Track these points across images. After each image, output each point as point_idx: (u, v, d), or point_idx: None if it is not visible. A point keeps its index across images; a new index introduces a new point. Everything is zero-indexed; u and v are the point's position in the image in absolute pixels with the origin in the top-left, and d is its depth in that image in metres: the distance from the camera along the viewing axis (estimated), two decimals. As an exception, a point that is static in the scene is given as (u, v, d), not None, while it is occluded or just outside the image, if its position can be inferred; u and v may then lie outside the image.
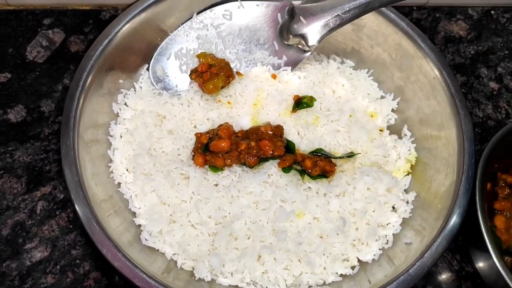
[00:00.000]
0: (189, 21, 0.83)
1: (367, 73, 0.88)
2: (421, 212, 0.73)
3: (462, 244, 0.79)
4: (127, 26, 0.77)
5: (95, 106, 0.74)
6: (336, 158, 0.77)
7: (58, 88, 0.88)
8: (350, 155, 0.77)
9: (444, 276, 0.78)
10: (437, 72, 0.77)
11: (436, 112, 0.77)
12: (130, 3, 0.80)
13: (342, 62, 0.89)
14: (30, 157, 0.82)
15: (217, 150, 0.73)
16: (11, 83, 0.88)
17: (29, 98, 0.87)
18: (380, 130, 0.82)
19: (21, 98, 0.87)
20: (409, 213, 0.75)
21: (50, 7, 0.96)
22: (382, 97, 0.87)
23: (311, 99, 0.80)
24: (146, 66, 0.83)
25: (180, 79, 0.83)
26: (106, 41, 0.74)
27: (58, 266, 0.74)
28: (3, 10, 0.95)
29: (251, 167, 0.74)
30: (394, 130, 0.84)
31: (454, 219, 0.65)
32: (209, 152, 0.74)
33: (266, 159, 0.74)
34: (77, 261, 0.74)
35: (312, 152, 0.77)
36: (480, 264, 0.76)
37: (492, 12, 1.05)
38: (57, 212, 0.78)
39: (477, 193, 0.70)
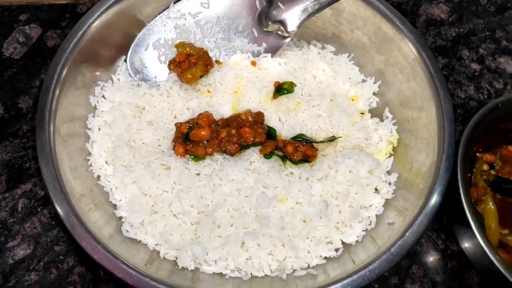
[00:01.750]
0: (166, 10, 0.82)
1: (348, 57, 0.87)
2: (404, 192, 0.74)
3: (446, 223, 0.80)
4: (102, 17, 0.76)
5: (71, 100, 0.73)
6: (317, 142, 0.76)
7: (35, 84, 0.87)
8: (332, 139, 0.77)
9: (429, 256, 0.78)
10: (416, 54, 0.77)
11: (416, 93, 0.77)
12: (106, -6, 0.78)
13: (323, 48, 0.89)
14: (9, 154, 0.80)
15: (198, 139, 0.72)
16: (-12, 80, 0.86)
17: (7, 95, 0.85)
18: (361, 113, 0.82)
19: (-2, 95, 0.85)
20: (392, 194, 0.75)
21: (26, 2, 0.94)
22: (363, 80, 0.86)
23: (292, 85, 0.79)
24: (124, 57, 0.82)
25: (159, 70, 0.82)
26: (80, 33, 0.73)
27: (41, 263, 0.73)
28: (-22, 7, 0.93)
29: (232, 154, 0.73)
30: (376, 113, 0.84)
31: (435, 197, 0.65)
32: (189, 142, 0.73)
33: (247, 146, 0.74)
34: (61, 257, 0.73)
35: (293, 138, 0.77)
36: (465, 243, 0.76)
37: (472, -6, 1.05)
38: (39, 209, 0.77)
39: (458, 171, 0.70)
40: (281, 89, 0.79)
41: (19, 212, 0.76)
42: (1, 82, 0.86)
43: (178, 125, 0.75)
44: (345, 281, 0.59)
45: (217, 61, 0.82)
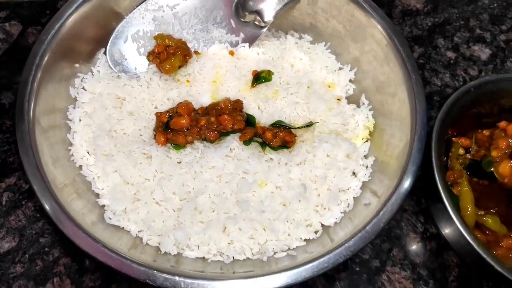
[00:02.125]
0: (144, 3, 0.83)
1: (324, 46, 0.89)
2: (379, 175, 0.75)
3: (425, 207, 0.82)
4: (80, 9, 0.76)
5: (50, 91, 0.74)
6: (295, 128, 0.78)
7: (17, 80, 0.87)
8: (309, 124, 0.79)
9: (409, 239, 0.80)
10: (388, 39, 0.79)
11: (390, 78, 0.79)
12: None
13: (300, 38, 0.91)
14: (-8, 149, 0.81)
15: (178, 127, 0.73)
16: (-31, 77, 0.87)
17: (-12, 92, 0.86)
18: (338, 100, 0.84)
19: (-20, 91, 0.86)
20: (369, 177, 0.76)
21: (5, 0, 0.94)
22: (340, 68, 0.88)
23: (269, 73, 0.81)
24: (103, 50, 0.83)
25: (139, 62, 0.83)
26: (58, 25, 0.74)
27: (27, 255, 0.73)
28: (-44, 4, 0.93)
29: (211, 141, 0.75)
30: (353, 100, 0.86)
31: (408, 177, 0.67)
32: (170, 130, 0.75)
33: (227, 134, 0.75)
34: (46, 248, 0.74)
35: (272, 125, 0.78)
36: (443, 225, 0.78)
37: (447, -16, 1.08)
38: (23, 202, 0.77)
39: (433, 153, 0.72)
40: (259, 77, 0.81)
41: (4, 206, 0.77)
42: (-18, 79, 0.87)
43: (158, 115, 0.76)
44: (321, 259, 0.61)
45: (196, 52, 0.83)
